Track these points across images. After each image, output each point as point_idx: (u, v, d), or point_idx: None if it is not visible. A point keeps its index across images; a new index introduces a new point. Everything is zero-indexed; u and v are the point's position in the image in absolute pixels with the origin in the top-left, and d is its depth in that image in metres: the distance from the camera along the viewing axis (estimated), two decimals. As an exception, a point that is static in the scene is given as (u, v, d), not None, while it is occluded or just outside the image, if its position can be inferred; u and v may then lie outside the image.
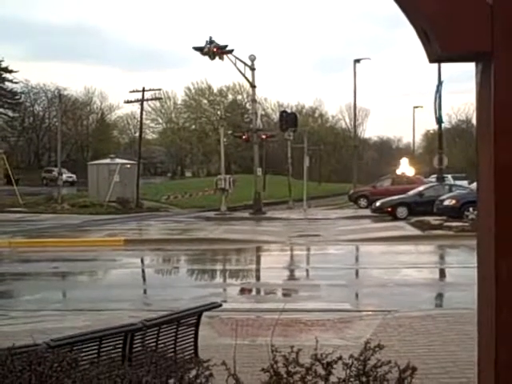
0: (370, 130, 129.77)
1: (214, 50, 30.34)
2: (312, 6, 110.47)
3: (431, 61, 1.90)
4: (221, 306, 6.14)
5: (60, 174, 41.62)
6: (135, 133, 66.81)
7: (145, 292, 13.33)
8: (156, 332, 5.07)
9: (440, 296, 12.24)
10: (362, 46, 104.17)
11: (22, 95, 69.90)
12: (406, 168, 49.58)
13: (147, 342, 4.97)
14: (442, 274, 14.99)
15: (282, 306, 9.13)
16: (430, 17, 1.82)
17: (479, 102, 1.89)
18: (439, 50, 1.82)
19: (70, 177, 57.74)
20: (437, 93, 29.95)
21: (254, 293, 13.04)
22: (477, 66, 1.90)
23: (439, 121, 31.64)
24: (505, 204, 1.75)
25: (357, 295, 12.41)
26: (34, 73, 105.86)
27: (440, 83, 30.07)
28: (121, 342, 4.77)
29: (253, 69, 32.98)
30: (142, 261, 18.37)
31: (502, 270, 1.74)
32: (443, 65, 30.36)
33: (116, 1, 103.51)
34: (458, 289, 11.65)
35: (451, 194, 26.07)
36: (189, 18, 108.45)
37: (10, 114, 70.22)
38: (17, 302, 12.08)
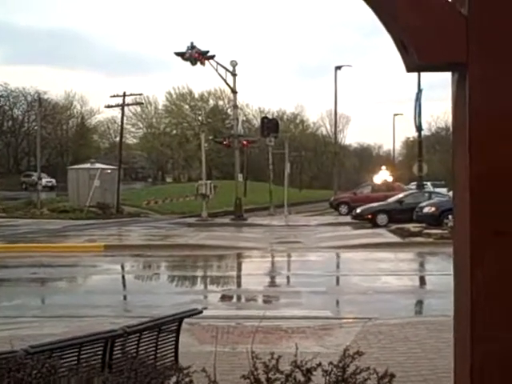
0: (351, 137, 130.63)
1: (196, 56, 30.34)
2: (293, 13, 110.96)
3: (409, 70, 1.93)
4: (201, 312, 6.13)
5: (39, 178, 41.24)
6: (116, 137, 66.50)
7: (125, 298, 13.26)
8: (137, 338, 5.05)
9: (420, 303, 12.33)
10: (344, 53, 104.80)
11: (1, 99, 69.22)
12: (384, 175, 50.27)
13: (128, 348, 4.95)
14: (422, 281, 15.10)
15: (263, 313, 9.14)
16: (408, 28, 1.85)
17: (455, 110, 1.93)
18: (416, 60, 1.86)
19: (50, 181, 57.24)
20: (416, 101, 30.20)
21: (234, 300, 13.04)
22: (453, 76, 1.94)
23: (419, 128, 31.92)
24: (480, 211, 1.78)
25: (337, 302, 12.45)
26: (13, 76, 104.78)
27: (420, 91, 30.33)
28: (101, 348, 4.74)
29: (234, 74, 33.04)
30: (123, 267, 18.28)
31: (478, 278, 1.78)
32: (423, 73, 30.70)
33: (97, 6, 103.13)
34: (438, 296, 11.73)
35: (430, 202, 26.29)
36: (170, 23, 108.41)
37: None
38: (-6, 308, 11.94)
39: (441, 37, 1.82)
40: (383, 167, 51.86)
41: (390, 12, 1.89)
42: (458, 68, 1.87)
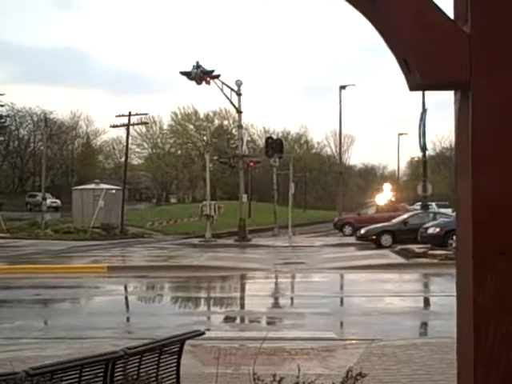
0: (356, 157, 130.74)
1: (201, 75, 30.52)
2: (299, 33, 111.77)
3: (411, 89, 1.92)
4: (204, 334, 6.08)
5: (44, 199, 41.33)
6: (121, 158, 66.75)
7: (127, 320, 13.20)
8: (138, 360, 5.00)
9: (424, 325, 12.23)
10: (348, 73, 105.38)
11: (8, 118, 69.55)
12: (387, 194, 50.60)
13: (129, 370, 4.89)
14: (426, 302, 15.00)
15: (266, 334, 9.06)
16: (410, 46, 1.84)
17: (457, 129, 1.91)
18: (419, 79, 1.84)
19: (55, 202, 57.32)
20: (421, 120, 30.22)
21: (237, 321, 12.95)
22: (455, 95, 1.92)
23: (423, 148, 31.90)
24: (483, 232, 1.75)
25: (341, 324, 12.36)
26: (20, 96, 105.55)
27: (424, 111, 30.39)
28: (102, 370, 4.69)
29: (239, 94, 33.19)
30: (126, 288, 18.21)
31: (480, 299, 1.74)
32: (428, 92, 30.78)
33: (103, 25, 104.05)
34: (442, 318, 11.63)
35: (435, 222, 26.20)
36: (176, 43, 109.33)
37: (-5, 137, 69.93)
38: (-3, 329, 11.88)
39: (443, 55, 1.81)
40: (386, 185, 52.24)
41: (392, 31, 1.88)
42: (461, 86, 1.86)
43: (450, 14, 1.88)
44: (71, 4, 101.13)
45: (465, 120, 1.81)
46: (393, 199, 47.73)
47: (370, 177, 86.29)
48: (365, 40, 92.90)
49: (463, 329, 1.82)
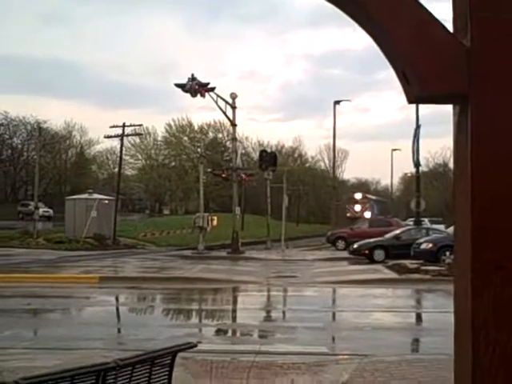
0: (349, 172, 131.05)
1: (196, 88, 30.60)
2: (292, 46, 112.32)
3: (410, 101, 1.91)
4: (196, 346, 6.02)
5: (36, 208, 41.20)
6: (114, 168, 66.69)
7: (119, 331, 13.10)
8: (129, 372, 4.95)
9: (416, 341, 12.18)
10: (343, 87, 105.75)
11: (1, 127, 69.46)
12: (359, 205, 54.22)
13: (120, 382, 4.84)
14: (419, 318, 14.96)
15: (258, 347, 9.01)
16: (409, 59, 1.83)
17: (456, 142, 1.90)
18: (418, 91, 1.84)
19: (47, 211, 57.17)
20: (415, 136, 30.36)
21: (229, 334, 12.88)
22: (454, 108, 1.92)
23: (417, 164, 32.03)
24: (481, 245, 1.74)
25: (333, 338, 12.30)
26: (13, 105, 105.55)
27: (418, 127, 30.53)
28: (93, 381, 4.64)
29: (234, 107, 33.26)
30: (117, 299, 18.10)
31: (479, 313, 1.73)
32: (421, 108, 30.87)
33: (97, 37, 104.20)
34: (435, 334, 11.61)
35: (428, 238, 26.24)
36: (170, 55, 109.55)
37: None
38: (-14, 338, 11.76)
39: (442, 68, 1.80)
40: (358, 194, 55.75)
41: (391, 43, 1.88)
42: (460, 100, 1.85)
43: (449, 27, 1.88)
44: (60, 17, 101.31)
45: (464, 133, 1.81)
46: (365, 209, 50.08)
47: (363, 191, 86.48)
48: (360, 55, 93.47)
49: (461, 345, 1.80)
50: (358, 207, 60.59)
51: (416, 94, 1.84)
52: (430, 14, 1.83)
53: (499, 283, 1.71)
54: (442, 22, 1.89)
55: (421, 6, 1.83)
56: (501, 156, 1.75)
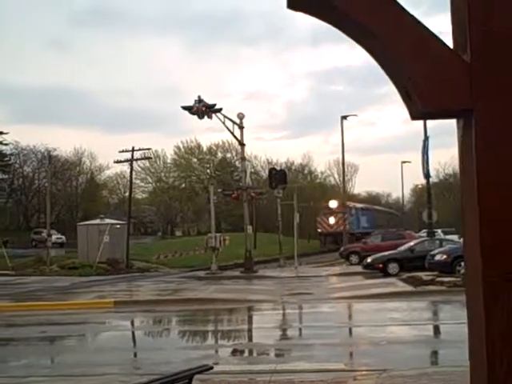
0: (359, 186, 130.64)
1: (203, 109, 30.78)
2: (295, 65, 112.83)
3: (413, 118, 1.93)
4: (212, 368, 6.01)
5: (49, 235, 41.38)
6: (125, 192, 67.00)
7: (135, 355, 13.06)
8: (146, 396, 4.95)
9: (434, 353, 12.07)
10: (347, 103, 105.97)
11: (12, 157, 69.99)
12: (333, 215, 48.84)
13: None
14: (436, 330, 14.83)
15: (275, 366, 8.96)
16: (411, 76, 1.85)
17: (461, 156, 1.91)
18: (420, 108, 1.86)
19: (60, 238, 57.38)
20: (424, 148, 30.34)
21: (246, 354, 12.82)
22: (458, 122, 1.93)
23: (427, 176, 31.96)
24: (491, 259, 1.74)
25: (351, 354, 12.21)
26: (24, 135, 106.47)
27: (426, 138, 30.51)
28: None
29: (241, 127, 33.38)
30: (132, 323, 18.08)
31: (493, 326, 1.73)
32: (429, 120, 30.90)
33: (101, 64, 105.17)
34: (453, 346, 11.49)
35: (442, 249, 26.07)
36: (174, 78, 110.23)
37: (0, 175, 70.20)
38: (3, 367, 11.77)
39: (444, 84, 1.82)
40: (333, 202, 50.86)
41: (393, 61, 1.90)
42: (463, 114, 1.87)
43: (450, 43, 1.90)
44: (66, 45, 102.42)
45: (468, 147, 1.82)
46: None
47: (375, 205, 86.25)
48: (367, 69, 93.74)
49: (476, 359, 1.80)
50: (332, 220, 51.60)
51: (419, 111, 1.86)
52: (430, 32, 1.85)
53: (511, 296, 1.71)
54: (443, 38, 1.91)
55: (421, 24, 1.86)
56: (506, 167, 1.75)
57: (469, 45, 1.82)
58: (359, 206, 60.81)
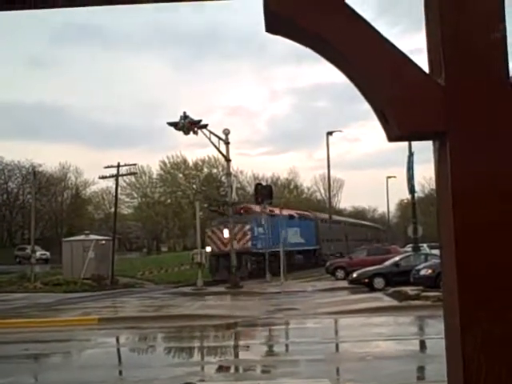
0: (345, 201, 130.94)
1: (188, 125, 30.84)
2: (277, 81, 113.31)
3: (390, 140, 1.96)
4: (196, 386, 5.99)
5: (33, 251, 41.05)
6: (110, 208, 66.61)
7: (120, 373, 12.98)
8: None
9: (420, 369, 12.11)
10: (330, 119, 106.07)
11: (-4, 173, 69.60)
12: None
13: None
14: (422, 345, 14.88)
15: (259, 383, 8.94)
16: (387, 99, 1.89)
17: (438, 178, 1.95)
18: (397, 131, 1.89)
19: (44, 254, 56.94)
20: (409, 164, 30.58)
21: (232, 370, 12.78)
22: (434, 144, 1.97)
23: (412, 191, 32.18)
24: (467, 284, 1.77)
25: (336, 370, 12.22)
26: (8, 151, 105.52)
27: (411, 154, 30.75)
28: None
29: (227, 143, 33.46)
30: (117, 340, 17.96)
31: (468, 342, 1.75)
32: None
33: (84, 80, 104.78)
34: (438, 361, 11.46)
35: (427, 264, 26.19)
36: (158, 95, 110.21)
37: (-17, 191, 69.76)
38: (-15, 387, 11.65)
39: (419, 107, 1.85)
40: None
41: (368, 85, 1.93)
42: (439, 137, 1.90)
43: (425, 67, 1.94)
44: (49, 62, 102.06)
45: (444, 169, 1.85)
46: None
47: (361, 220, 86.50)
48: (344, 86, 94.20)
49: (453, 373, 1.82)
50: (226, 232, 36.05)
51: (396, 133, 1.89)
52: (406, 57, 1.89)
53: (488, 324, 1.72)
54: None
55: (396, 49, 1.89)
56: (481, 189, 1.79)
57: (443, 68, 1.85)
58: (287, 212, 45.51)
